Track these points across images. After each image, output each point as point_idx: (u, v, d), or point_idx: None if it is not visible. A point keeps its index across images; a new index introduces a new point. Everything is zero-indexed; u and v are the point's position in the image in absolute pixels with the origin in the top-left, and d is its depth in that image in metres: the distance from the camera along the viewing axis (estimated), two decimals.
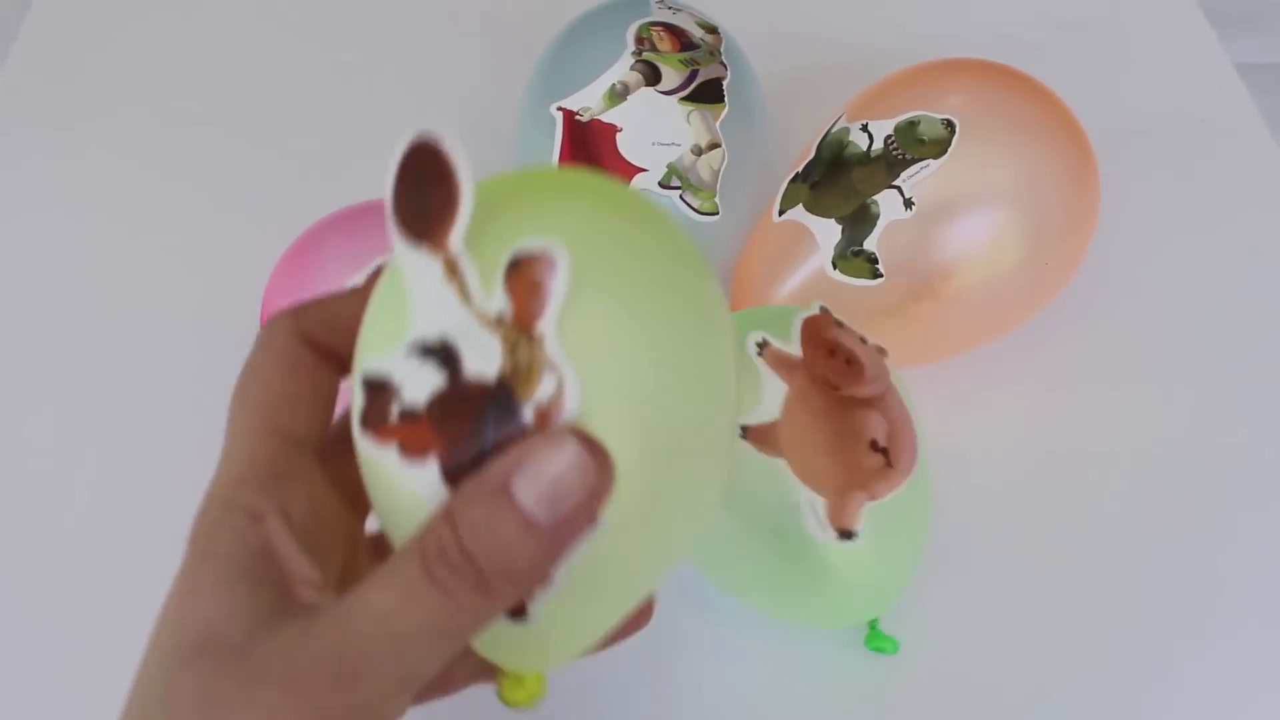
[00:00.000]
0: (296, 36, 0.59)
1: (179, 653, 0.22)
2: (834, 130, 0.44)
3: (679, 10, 0.48)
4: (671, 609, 0.39)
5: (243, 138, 0.54)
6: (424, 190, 0.22)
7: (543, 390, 0.22)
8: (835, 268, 0.41)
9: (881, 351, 0.37)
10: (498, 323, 0.22)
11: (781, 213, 0.43)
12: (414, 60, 0.58)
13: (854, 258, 0.41)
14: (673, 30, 0.46)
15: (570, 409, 0.21)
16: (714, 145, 0.45)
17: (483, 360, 0.22)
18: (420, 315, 0.22)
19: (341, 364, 0.26)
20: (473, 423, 0.22)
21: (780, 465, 0.35)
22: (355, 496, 0.27)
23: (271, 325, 0.26)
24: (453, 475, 0.22)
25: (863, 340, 0.37)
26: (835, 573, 0.35)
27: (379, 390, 0.23)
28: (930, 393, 0.41)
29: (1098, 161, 0.43)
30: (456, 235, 0.22)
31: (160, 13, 0.60)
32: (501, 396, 0.22)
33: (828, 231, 0.42)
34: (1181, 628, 0.39)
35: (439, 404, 0.22)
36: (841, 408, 0.35)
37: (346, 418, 0.27)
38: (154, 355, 0.47)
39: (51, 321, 0.48)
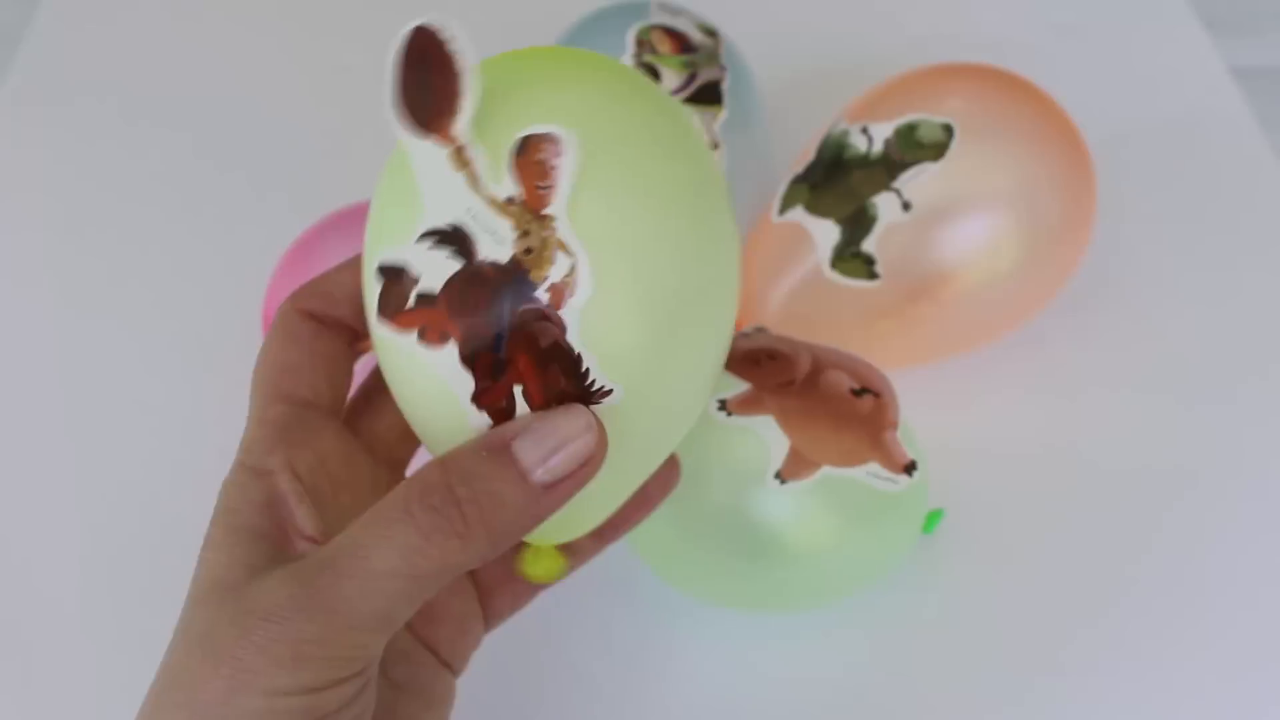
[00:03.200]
0: (299, 41, 0.59)
1: (196, 597, 0.24)
2: (834, 132, 0.44)
3: (679, 13, 0.48)
4: (642, 616, 0.40)
5: (245, 139, 0.54)
6: (428, 78, 0.22)
7: (555, 271, 0.22)
8: (833, 268, 0.42)
9: (759, 330, 0.39)
10: (508, 206, 0.22)
11: (782, 212, 0.43)
12: None
13: (852, 259, 0.41)
14: (672, 33, 0.47)
15: (584, 288, 0.22)
16: (714, 147, 0.45)
17: (495, 244, 0.22)
18: (431, 204, 0.23)
19: (345, 330, 0.28)
20: (488, 304, 0.23)
21: (714, 468, 0.35)
22: (385, 452, 0.29)
23: (278, 310, 0.28)
24: (470, 358, 0.23)
25: (757, 330, 0.38)
26: (794, 555, 0.35)
27: (395, 278, 0.23)
28: (927, 394, 0.41)
29: (1094, 165, 0.43)
30: (463, 122, 0.22)
31: (165, 16, 0.60)
32: (516, 277, 0.22)
33: (826, 232, 0.42)
34: (1181, 627, 0.40)
35: (454, 287, 0.23)
36: (810, 391, 0.36)
37: (365, 382, 0.30)
38: (156, 355, 0.47)
39: (52, 322, 0.48)
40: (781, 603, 0.38)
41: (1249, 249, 0.50)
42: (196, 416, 0.45)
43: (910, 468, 0.35)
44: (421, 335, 0.23)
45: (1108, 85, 0.56)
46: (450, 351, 0.23)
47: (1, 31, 0.60)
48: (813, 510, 0.35)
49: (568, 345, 0.23)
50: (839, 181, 0.42)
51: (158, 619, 0.40)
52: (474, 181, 0.22)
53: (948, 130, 0.41)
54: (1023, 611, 0.40)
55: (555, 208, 0.22)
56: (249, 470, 0.26)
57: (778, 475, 0.34)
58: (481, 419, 0.24)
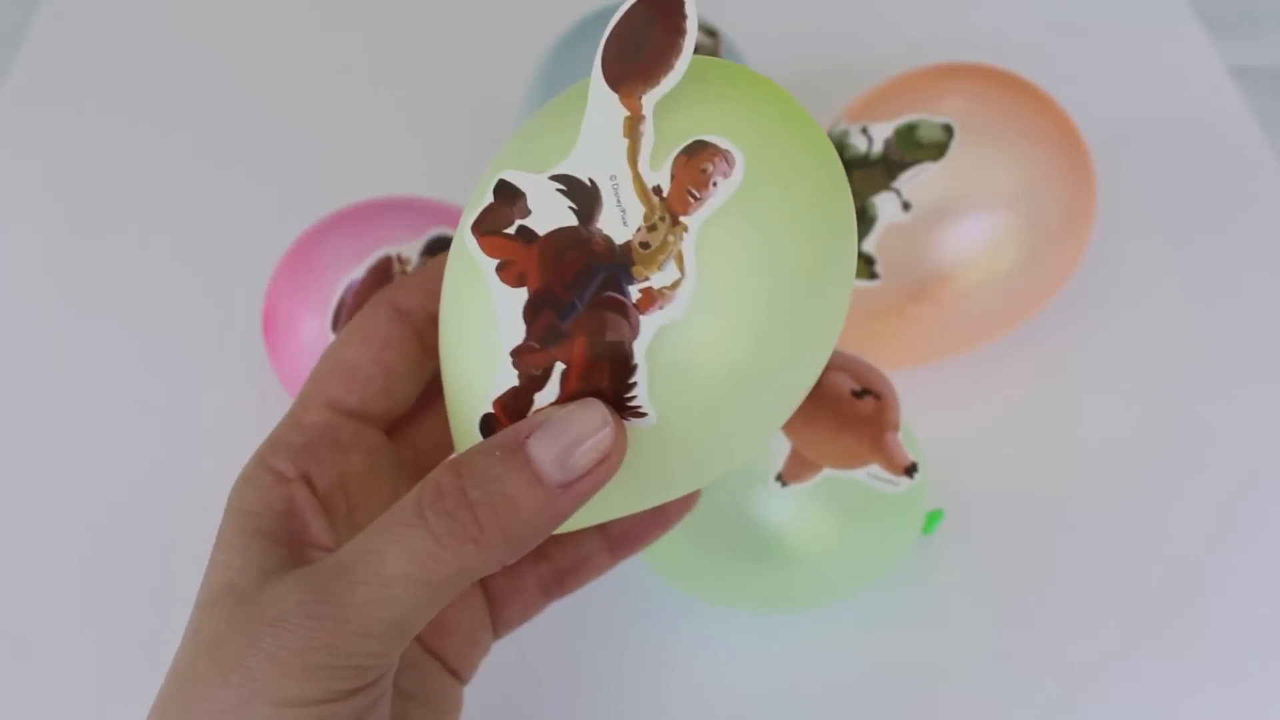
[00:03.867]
0: (299, 41, 0.59)
1: (206, 600, 0.23)
2: (834, 132, 0.44)
3: None
4: (643, 617, 0.40)
5: (245, 139, 0.55)
6: (646, 39, 0.21)
7: (659, 278, 0.21)
8: None
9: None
10: (652, 194, 0.21)
11: None
12: (414, 64, 0.58)
13: None
14: None
15: (676, 308, 0.21)
16: None
17: (619, 222, 0.21)
18: (583, 151, 0.22)
19: (426, 347, 0.27)
20: (580, 271, 0.22)
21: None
22: (426, 467, 0.28)
23: (370, 299, 0.27)
24: (533, 312, 0.22)
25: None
26: (795, 556, 0.35)
27: (507, 200, 0.22)
28: (926, 394, 0.42)
29: (1094, 164, 0.43)
30: (653, 97, 0.21)
31: (165, 16, 0.60)
32: (619, 263, 0.21)
33: None
34: (1181, 626, 0.40)
35: (557, 238, 0.22)
36: (810, 393, 0.36)
37: (423, 397, 0.28)
38: (156, 355, 0.47)
39: (52, 321, 0.48)
40: (782, 603, 0.38)
41: (1248, 249, 0.50)
42: (197, 416, 0.45)
43: (911, 470, 0.35)
44: (501, 268, 0.22)
45: (1108, 85, 0.56)
46: (518, 296, 0.22)
47: (1, 31, 0.60)
48: (813, 512, 0.35)
49: (630, 352, 0.22)
50: None
51: (157, 618, 0.40)
52: (634, 154, 0.21)
53: (948, 130, 0.41)
54: (1023, 611, 0.40)
55: (693, 219, 0.21)
56: (269, 472, 0.25)
57: (779, 477, 0.34)
58: (509, 377, 0.23)
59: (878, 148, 0.42)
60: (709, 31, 0.48)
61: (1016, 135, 0.42)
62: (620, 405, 0.22)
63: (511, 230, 0.22)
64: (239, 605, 0.22)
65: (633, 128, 0.21)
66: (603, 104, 0.22)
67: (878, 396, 0.36)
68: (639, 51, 0.21)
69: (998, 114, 0.42)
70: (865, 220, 0.41)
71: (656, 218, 0.21)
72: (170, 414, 0.45)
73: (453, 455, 0.25)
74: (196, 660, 0.23)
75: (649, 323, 0.21)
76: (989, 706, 0.38)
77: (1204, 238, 0.51)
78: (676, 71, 0.21)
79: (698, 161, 0.21)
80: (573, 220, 0.22)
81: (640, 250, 0.21)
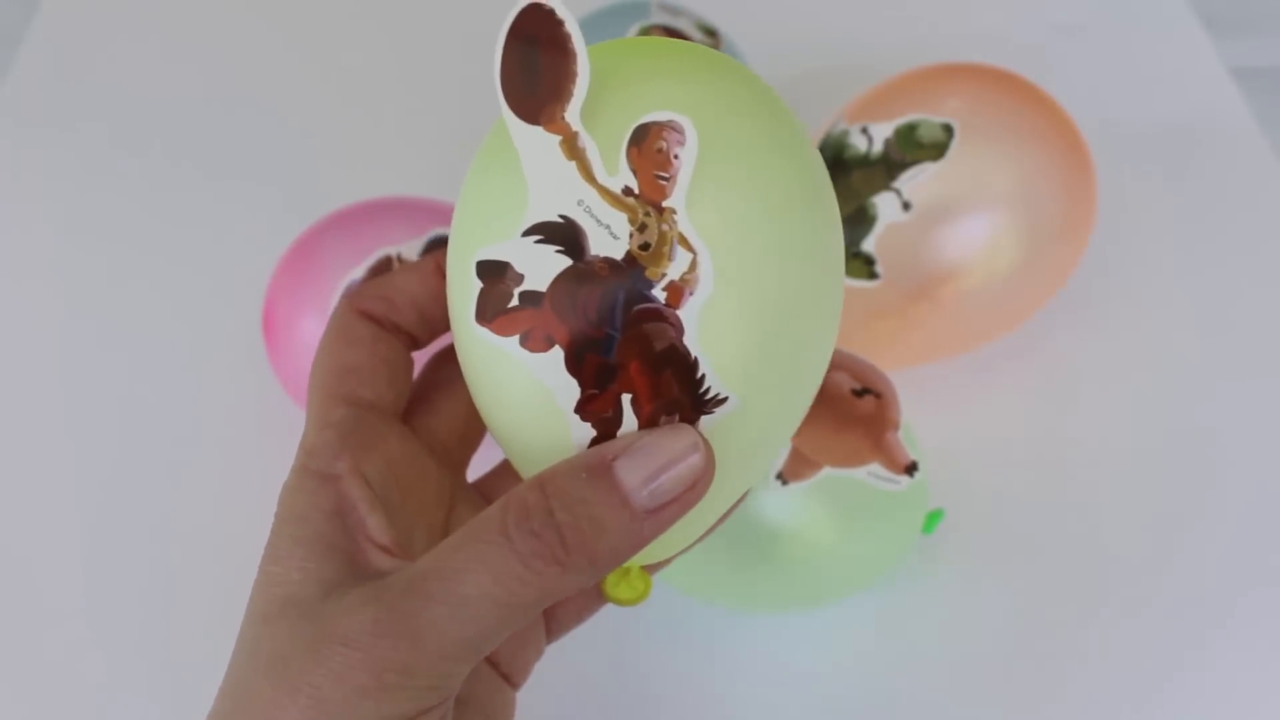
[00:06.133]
0: (299, 40, 0.59)
1: (263, 614, 0.22)
2: (834, 132, 0.44)
3: (679, 13, 0.48)
4: (644, 617, 0.40)
5: (245, 139, 0.55)
6: (535, 63, 0.21)
7: (675, 267, 0.21)
8: None
9: None
10: (625, 198, 0.21)
11: None
12: (414, 63, 0.58)
13: (852, 259, 0.41)
14: (673, 33, 0.47)
15: (705, 285, 0.21)
16: None
17: (609, 239, 0.21)
18: (538, 195, 0.21)
19: (404, 336, 0.27)
20: (599, 304, 0.21)
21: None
22: (447, 454, 0.27)
23: (335, 308, 0.27)
24: (577, 363, 0.21)
25: None
26: (796, 556, 0.35)
27: (496, 277, 0.22)
28: (926, 394, 0.42)
29: (1094, 164, 0.43)
30: (574, 110, 0.21)
31: (165, 16, 0.60)
32: (631, 275, 0.21)
33: None
34: (1182, 625, 0.40)
35: (562, 286, 0.21)
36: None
37: (422, 380, 0.28)
38: (156, 354, 0.47)
39: (51, 321, 0.48)
40: (782, 603, 0.38)
41: (1248, 248, 0.50)
42: (197, 416, 0.45)
43: (912, 468, 0.35)
44: (524, 339, 0.21)
45: (1108, 85, 0.56)
46: (555, 357, 0.21)
47: (1, 32, 0.60)
48: (814, 511, 0.35)
49: (685, 349, 0.21)
50: (839, 181, 0.42)
51: (158, 618, 0.40)
52: (587, 171, 0.21)
53: (948, 130, 0.41)
54: (1023, 609, 0.40)
55: (675, 200, 0.20)
56: (315, 475, 0.24)
57: (779, 476, 0.34)
58: (584, 431, 0.22)
59: (878, 147, 0.42)
60: (708, 31, 0.48)
61: (1016, 135, 0.42)
62: (701, 404, 0.22)
63: (515, 302, 0.22)
64: (301, 620, 0.22)
65: (571, 148, 0.21)
66: (531, 142, 0.21)
67: (878, 395, 0.36)
68: (536, 78, 0.21)
69: (998, 114, 0.42)
70: (865, 220, 0.41)
71: (641, 216, 0.21)
72: (170, 414, 0.45)
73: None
74: (259, 678, 0.22)
75: (687, 313, 0.21)
76: (990, 706, 0.38)
77: (1204, 237, 0.51)
78: (583, 75, 0.20)
79: (649, 145, 0.20)
80: (567, 261, 0.21)
81: (643, 253, 0.21)
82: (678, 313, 0.21)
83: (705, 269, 0.21)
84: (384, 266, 0.39)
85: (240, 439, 0.44)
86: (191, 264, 0.50)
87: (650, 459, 0.21)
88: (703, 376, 0.21)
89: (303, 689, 0.21)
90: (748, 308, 0.21)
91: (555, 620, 0.29)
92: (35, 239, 0.51)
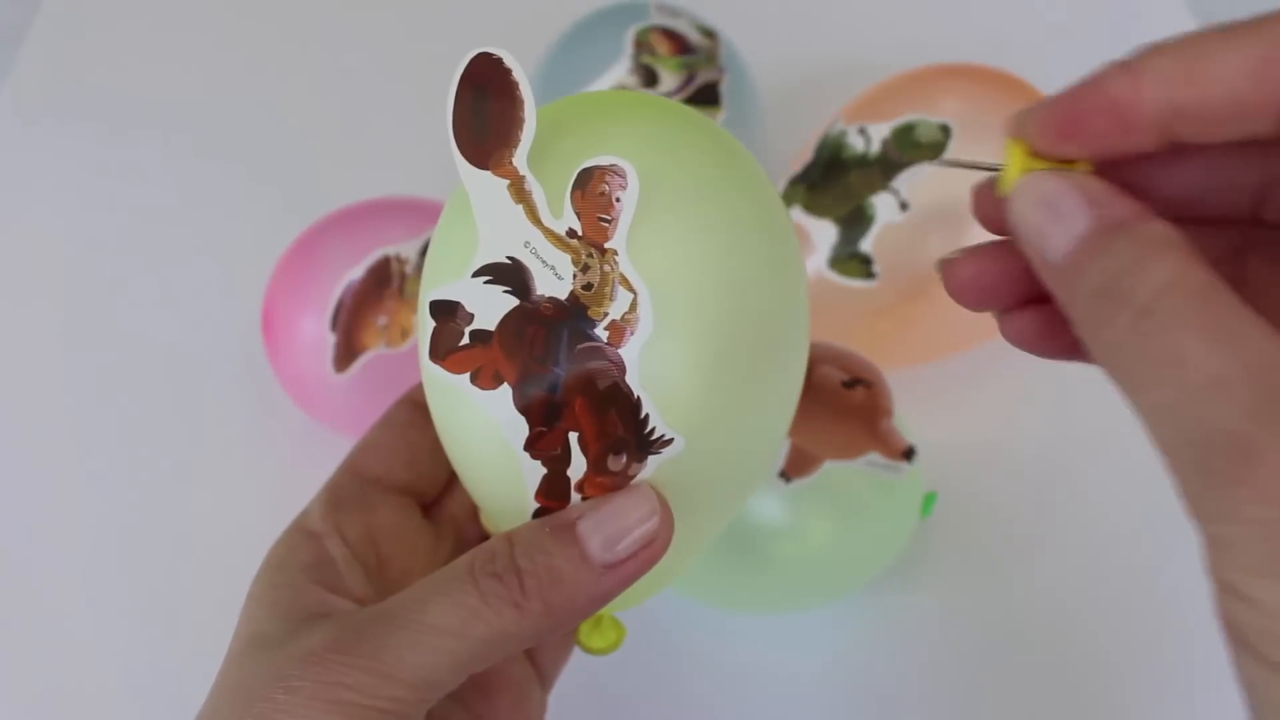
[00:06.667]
0: (299, 39, 0.59)
1: (234, 652, 0.24)
2: (831, 133, 0.44)
3: (677, 15, 0.48)
4: (646, 619, 0.40)
5: (244, 138, 0.55)
6: (485, 110, 0.22)
7: (616, 307, 0.21)
8: (831, 269, 0.42)
9: None
10: (568, 240, 0.21)
11: None
12: (414, 63, 0.58)
13: (849, 259, 0.42)
14: (670, 35, 0.47)
15: (645, 324, 0.21)
16: None
17: (554, 279, 0.21)
18: (487, 238, 0.22)
19: None
20: (545, 342, 0.22)
21: None
22: (456, 529, 0.30)
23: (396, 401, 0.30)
24: (525, 401, 0.22)
25: None
26: (801, 553, 0.35)
27: (448, 316, 0.23)
28: (925, 393, 0.42)
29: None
30: (521, 155, 0.21)
31: (165, 16, 0.60)
32: (574, 314, 0.21)
33: (824, 233, 0.42)
34: (1182, 621, 0.40)
35: (509, 325, 0.22)
36: (803, 389, 0.36)
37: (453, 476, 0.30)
38: (156, 354, 0.47)
39: (51, 321, 0.48)
40: (789, 602, 0.38)
41: None
42: (197, 416, 0.45)
43: (909, 453, 0.35)
44: (474, 377, 0.22)
45: None
46: (504, 394, 0.22)
47: (2, 32, 0.60)
48: (812, 508, 0.35)
49: (627, 387, 0.21)
50: (837, 182, 0.42)
51: (159, 617, 0.41)
52: (533, 214, 0.21)
53: (945, 130, 0.41)
54: (1023, 608, 0.40)
55: (616, 241, 0.21)
56: (300, 531, 0.27)
57: (782, 474, 0.34)
58: (535, 468, 0.23)
59: (875, 148, 0.42)
60: (706, 33, 0.48)
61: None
62: (646, 443, 0.22)
63: (465, 340, 0.22)
64: (263, 651, 0.23)
65: (519, 191, 0.22)
66: (480, 186, 0.22)
67: (868, 385, 0.36)
68: (485, 124, 0.21)
69: (995, 114, 0.42)
70: (863, 220, 0.41)
71: (584, 257, 0.21)
72: (170, 413, 0.45)
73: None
74: (219, 702, 0.23)
75: (629, 352, 0.21)
76: (989, 705, 0.38)
77: None
78: (529, 121, 0.21)
79: (592, 188, 0.21)
80: (514, 301, 0.22)
81: (585, 293, 0.21)
82: (620, 351, 0.21)
83: (645, 309, 0.21)
84: (382, 267, 0.39)
85: (240, 439, 0.45)
86: (191, 264, 0.50)
87: (609, 519, 0.22)
88: (647, 416, 0.22)
89: (258, 700, 0.22)
90: (689, 347, 0.21)
91: (541, 668, 0.30)
92: (35, 238, 0.51)
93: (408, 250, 0.40)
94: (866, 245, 0.41)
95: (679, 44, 0.46)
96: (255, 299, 0.43)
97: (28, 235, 0.51)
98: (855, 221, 0.41)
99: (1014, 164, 0.20)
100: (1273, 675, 0.15)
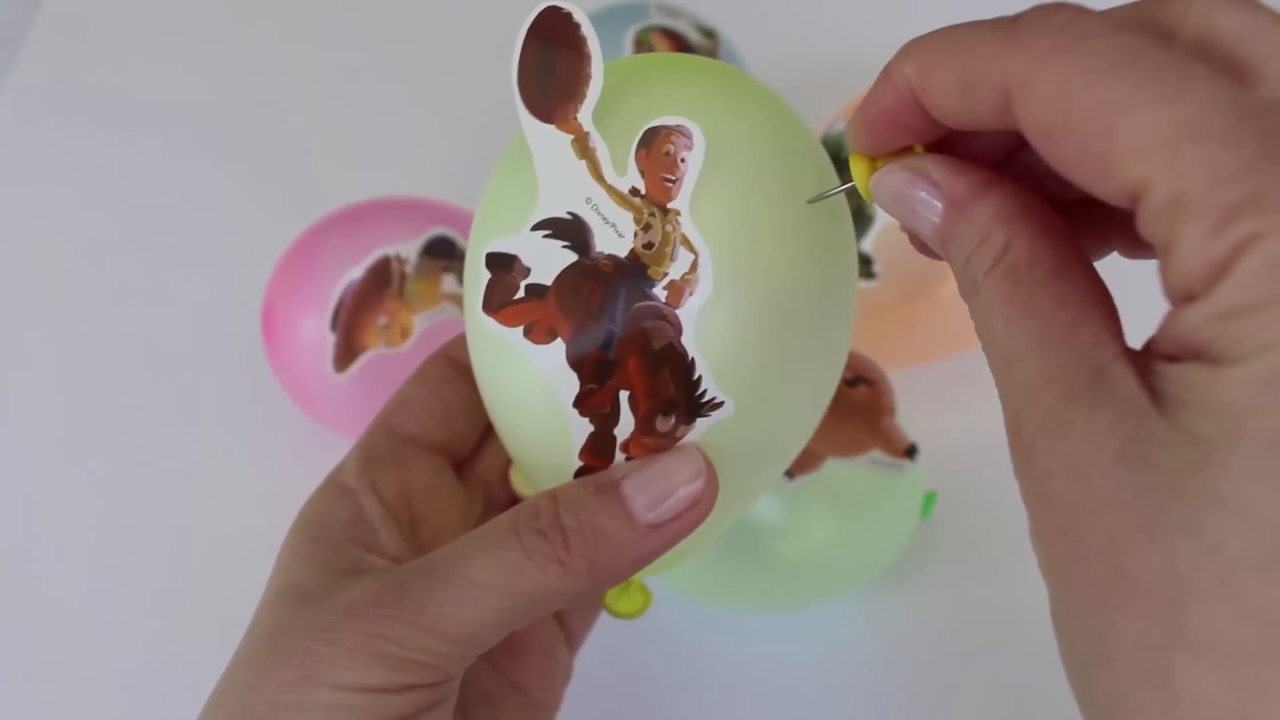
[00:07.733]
0: (300, 39, 0.59)
1: (269, 599, 0.24)
2: (833, 132, 0.44)
3: (677, 14, 0.48)
4: (646, 619, 0.40)
5: (244, 138, 0.55)
6: (552, 64, 0.21)
7: (676, 267, 0.21)
8: None
9: None
10: (631, 198, 0.21)
11: None
12: (414, 62, 0.58)
13: None
14: (671, 34, 0.47)
15: (704, 286, 0.21)
16: None
17: (614, 237, 0.21)
18: (548, 192, 0.22)
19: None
20: (602, 299, 0.21)
21: None
22: (487, 490, 0.29)
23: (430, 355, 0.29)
24: (578, 358, 0.22)
25: None
26: (805, 552, 0.35)
27: (504, 269, 0.22)
28: (924, 393, 0.42)
29: None
30: (587, 110, 0.21)
31: (164, 16, 0.60)
32: (633, 273, 0.21)
33: None
34: None
35: (567, 280, 0.22)
36: None
37: (488, 431, 0.29)
38: (156, 354, 0.47)
39: (51, 321, 0.49)
40: (788, 601, 0.38)
41: None
42: (196, 416, 0.45)
43: (911, 451, 0.35)
44: (528, 331, 0.22)
45: None
46: (557, 349, 0.22)
47: (1, 32, 0.60)
48: (814, 507, 0.35)
49: (682, 348, 0.21)
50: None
51: (160, 616, 0.41)
52: (596, 171, 0.21)
53: None
54: (1023, 609, 0.40)
55: (679, 202, 0.21)
56: (335, 487, 0.26)
57: (786, 472, 0.34)
58: (582, 425, 0.22)
59: None
60: (707, 33, 0.48)
61: None
62: (697, 406, 0.22)
63: (520, 294, 0.22)
64: (303, 602, 0.23)
65: (583, 147, 0.21)
66: (544, 140, 0.22)
67: (870, 383, 0.36)
68: (552, 78, 0.21)
69: None
70: (863, 220, 0.41)
71: (646, 216, 0.21)
72: (170, 413, 0.45)
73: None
74: (257, 650, 0.23)
75: (686, 313, 0.21)
76: (989, 705, 0.38)
77: None
78: (596, 78, 0.21)
79: (657, 147, 0.21)
80: (572, 256, 0.22)
81: (646, 252, 0.21)
82: (677, 312, 0.21)
83: (705, 270, 0.21)
84: (382, 267, 0.39)
85: (240, 439, 0.45)
86: (191, 264, 0.50)
87: (655, 480, 0.22)
88: (699, 378, 0.22)
89: (299, 652, 0.22)
90: (747, 312, 0.21)
91: (569, 630, 0.30)
92: (35, 239, 0.51)
93: (408, 250, 0.40)
94: (866, 245, 0.41)
95: (679, 44, 0.46)
96: (255, 299, 0.43)
97: (28, 235, 0.51)
98: (855, 221, 0.41)
99: (860, 171, 0.21)
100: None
